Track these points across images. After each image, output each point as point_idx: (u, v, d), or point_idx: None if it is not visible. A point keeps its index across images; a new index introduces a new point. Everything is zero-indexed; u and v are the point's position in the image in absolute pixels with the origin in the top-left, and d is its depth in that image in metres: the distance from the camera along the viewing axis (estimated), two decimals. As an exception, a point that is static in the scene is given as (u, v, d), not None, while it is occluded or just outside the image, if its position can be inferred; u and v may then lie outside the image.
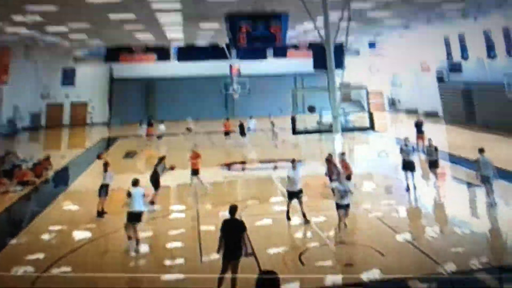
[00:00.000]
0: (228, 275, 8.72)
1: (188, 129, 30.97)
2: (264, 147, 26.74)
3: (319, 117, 22.32)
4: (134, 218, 11.60)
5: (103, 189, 14.24)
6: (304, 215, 13.13)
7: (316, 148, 25.52)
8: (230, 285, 8.67)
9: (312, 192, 16.02)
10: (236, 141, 27.72)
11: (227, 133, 28.53)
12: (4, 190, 17.72)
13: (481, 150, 14.57)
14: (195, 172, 17.00)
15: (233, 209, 9.28)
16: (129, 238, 11.64)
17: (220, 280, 8.76)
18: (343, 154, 15.89)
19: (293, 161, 13.85)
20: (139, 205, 11.70)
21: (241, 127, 27.99)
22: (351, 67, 31.90)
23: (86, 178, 19.94)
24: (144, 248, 11.65)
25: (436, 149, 16.62)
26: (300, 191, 13.28)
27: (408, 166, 16.32)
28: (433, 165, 16.60)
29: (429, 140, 17.44)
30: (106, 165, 14.74)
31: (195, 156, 17.20)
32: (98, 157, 16.84)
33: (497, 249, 11.24)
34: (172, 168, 16.16)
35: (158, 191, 15.31)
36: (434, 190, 16.23)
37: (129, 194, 11.75)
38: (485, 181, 14.30)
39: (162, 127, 29.39)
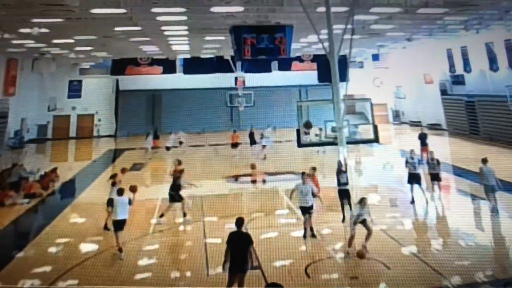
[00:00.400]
0: None
1: (180, 143, 30.56)
2: (268, 159, 26.82)
3: (319, 130, 22.50)
4: (117, 226, 12.20)
5: (111, 203, 14.30)
6: (311, 229, 13.09)
7: (321, 161, 25.59)
8: None
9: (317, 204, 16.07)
10: (241, 152, 27.80)
11: (234, 145, 28.46)
12: (11, 203, 17.81)
13: (484, 160, 14.69)
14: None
15: (239, 222, 9.33)
16: (120, 249, 12.07)
17: None
18: (314, 169, 15.57)
19: (303, 175, 13.70)
20: (122, 214, 12.23)
21: (251, 136, 28.23)
22: (355, 79, 32.13)
23: (93, 190, 20.02)
24: (151, 260, 11.74)
25: (438, 162, 16.52)
26: (311, 207, 13.07)
27: (414, 178, 16.34)
28: (434, 178, 16.48)
29: (431, 153, 17.30)
30: (114, 177, 14.81)
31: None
32: (122, 171, 16.50)
33: (502, 262, 11.26)
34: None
35: (182, 202, 15.27)
36: (439, 203, 16.21)
37: (110, 203, 12.58)
38: (489, 190, 14.36)
39: (172, 136, 29.40)
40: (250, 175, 22.33)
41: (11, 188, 18.75)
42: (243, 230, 9.51)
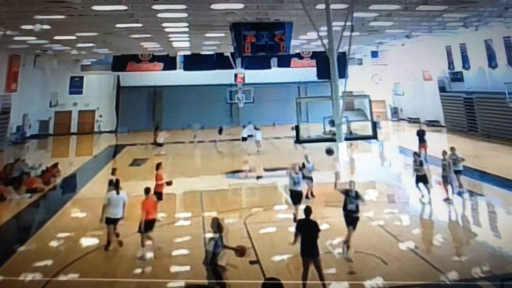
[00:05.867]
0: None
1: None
2: (267, 155, 26.96)
3: (323, 127, 22.61)
4: None
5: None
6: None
7: (320, 157, 25.69)
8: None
9: (316, 199, 16.21)
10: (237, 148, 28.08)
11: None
12: (10, 198, 17.90)
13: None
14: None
15: (308, 211, 9.85)
16: None
17: (304, 277, 9.41)
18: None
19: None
20: None
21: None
22: (354, 76, 32.20)
23: (94, 185, 20.12)
24: (150, 255, 11.89)
25: (421, 163, 16.40)
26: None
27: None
28: (421, 180, 16.14)
29: (415, 154, 17.11)
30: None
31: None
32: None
33: (499, 258, 11.31)
34: None
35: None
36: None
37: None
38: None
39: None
40: (249, 170, 22.58)
41: (13, 183, 18.91)
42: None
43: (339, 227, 12.40)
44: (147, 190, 12.30)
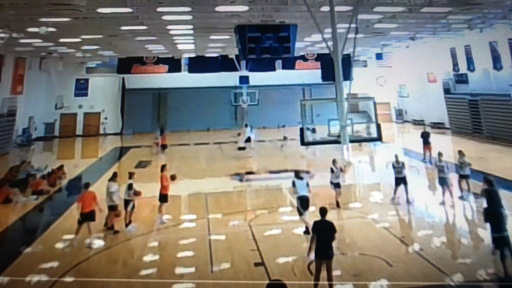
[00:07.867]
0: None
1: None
2: (271, 157, 26.96)
3: (328, 129, 22.64)
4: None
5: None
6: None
7: (326, 158, 25.71)
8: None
9: (320, 201, 16.18)
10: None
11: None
12: (16, 200, 18.01)
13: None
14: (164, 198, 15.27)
15: (323, 211, 9.87)
16: None
17: (317, 279, 9.32)
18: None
19: None
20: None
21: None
22: (359, 78, 32.18)
23: (99, 187, 20.06)
24: (155, 256, 11.92)
25: (403, 165, 16.46)
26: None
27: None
28: (401, 181, 16.32)
29: (396, 156, 17.08)
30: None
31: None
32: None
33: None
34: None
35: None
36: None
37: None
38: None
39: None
40: (251, 173, 22.57)
41: (18, 185, 19.02)
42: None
43: (341, 229, 12.42)
44: (86, 185, 13.88)
